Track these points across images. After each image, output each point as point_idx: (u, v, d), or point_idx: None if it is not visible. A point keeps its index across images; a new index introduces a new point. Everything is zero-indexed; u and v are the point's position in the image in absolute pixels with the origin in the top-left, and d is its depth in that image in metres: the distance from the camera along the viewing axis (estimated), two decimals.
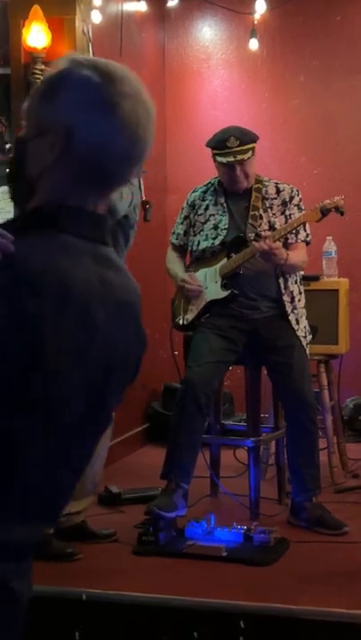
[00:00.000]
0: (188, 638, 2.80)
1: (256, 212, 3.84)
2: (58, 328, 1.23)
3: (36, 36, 4.21)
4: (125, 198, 3.43)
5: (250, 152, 3.77)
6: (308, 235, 3.88)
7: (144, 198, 3.69)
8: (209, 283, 3.87)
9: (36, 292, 1.22)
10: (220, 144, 3.78)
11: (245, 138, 3.78)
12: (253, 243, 3.71)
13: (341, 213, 3.74)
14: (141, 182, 3.64)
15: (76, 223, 1.33)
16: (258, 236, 3.80)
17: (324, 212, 3.70)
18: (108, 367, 1.34)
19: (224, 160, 3.78)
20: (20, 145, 1.39)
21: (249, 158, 3.78)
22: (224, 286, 3.83)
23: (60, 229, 1.32)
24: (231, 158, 3.76)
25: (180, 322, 3.95)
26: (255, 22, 5.55)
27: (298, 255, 3.79)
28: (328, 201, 3.72)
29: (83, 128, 1.32)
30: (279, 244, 3.68)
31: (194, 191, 4.02)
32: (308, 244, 3.91)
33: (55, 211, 1.33)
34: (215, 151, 3.81)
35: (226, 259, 3.82)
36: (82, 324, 1.27)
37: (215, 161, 3.84)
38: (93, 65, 1.37)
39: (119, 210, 3.43)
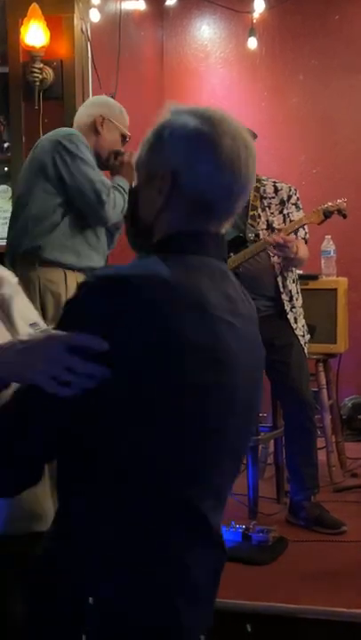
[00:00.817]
0: None
1: (255, 212, 3.84)
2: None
3: (35, 34, 4.21)
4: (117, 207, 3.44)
5: None
6: (306, 233, 3.88)
7: None
8: None
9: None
10: None
11: None
12: (266, 237, 3.71)
13: (344, 216, 3.75)
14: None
15: (201, 245, 1.43)
16: (257, 237, 3.80)
17: (327, 215, 3.70)
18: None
19: None
20: (133, 195, 1.51)
21: None
22: None
23: (185, 251, 1.41)
24: None
25: None
26: (254, 21, 5.55)
27: (304, 250, 3.79)
28: (331, 203, 3.71)
29: (187, 170, 1.42)
30: (293, 236, 3.68)
31: None
32: (306, 242, 3.91)
33: (176, 236, 1.42)
34: None
35: None
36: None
37: None
38: (192, 111, 1.49)
39: (110, 218, 3.43)
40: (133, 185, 1.52)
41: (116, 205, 3.43)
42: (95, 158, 3.53)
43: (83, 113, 3.63)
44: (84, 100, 4.41)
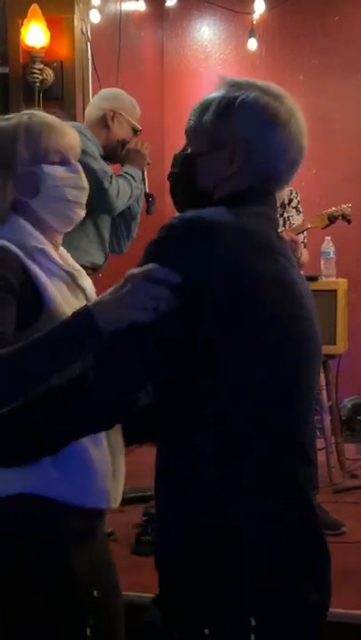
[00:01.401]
0: None
1: None
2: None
3: (35, 35, 4.22)
4: (121, 193, 3.44)
5: None
6: (305, 237, 3.89)
7: (148, 190, 3.68)
8: None
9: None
10: None
11: None
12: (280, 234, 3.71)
13: (349, 221, 3.75)
14: (145, 174, 3.64)
15: (265, 201, 1.56)
16: None
17: (331, 220, 3.71)
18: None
19: None
20: (190, 160, 1.62)
21: None
22: None
23: (252, 203, 1.52)
24: None
25: None
26: (254, 22, 5.56)
27: (305, 254, 3.79)
28: (335, 208, 3.72)
29: (260, 143, 1.53)
30: (301, 236, 3.69)
31: None
32: (305, 246, 3.92)
33: (244, 192, 1.53)
34: None
35: None
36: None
37: None
38: (261, 87, 1.63)
39: (117, 206, 3.44)
40: (189, 151, 1.64)
41: (120, 193, 3.43)
42: (106, 152, 3.54)
43: (94, 106, 3.63)
44: (84, 101, 4.42)
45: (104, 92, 3.76)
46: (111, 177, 3.42)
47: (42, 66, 4.27)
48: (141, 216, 3.73)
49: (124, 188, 3.48)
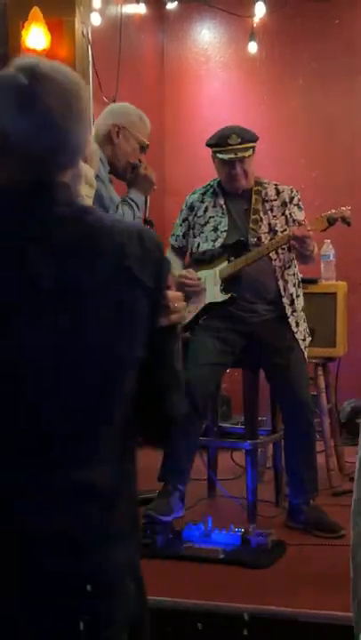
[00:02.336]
0: None
1: (257, 216, 3.84)
2: None
3: (36, 37, 4.22)
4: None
5: (251, 150, 3.78)
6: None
7: (147, 216, 3.68)
8: (208, 285, 3.87)
9: None
10: (221, 140, 3.80)
11: (247, 136, 3.80)
12: (292, 228, 3.70)
13: (348, 224, 3.75)
14: (148, 200, 3.63)
15: None
16: (259, 240, 3.81)
17: (331, 222, 3.71)
18: None
19: (225, 157, 3.79)
20: None
21: (250, 156, 3.79)
22: (224, 290, 3.83)
23: None
24: (232, 155, 3.77)
25: None
26: (254, 25, 5.57)
27: (315, 246, 3.78)
28: (334, 210, 3.71)
29: (12, 126, 1.41)
30: (312, 233, 3.69)
31: (193, 193, 4.03)
32: None
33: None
34: (216, 149, 3.82)
35: (226, 262, 3.82)
36: None
37: (215, 159, 3.84)
38: (19, 65, 1.44)
39: None
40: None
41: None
42: (111, 169, 3.52)
43: (99, 123, 3.63)
44: None
45: (111, 106, 3.76)
46: (118, 206, 3.41)
47: None
48: None
49: (128, 216, 3.48)
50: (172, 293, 1.54)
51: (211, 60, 5.85)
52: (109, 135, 3.52)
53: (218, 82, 5.85)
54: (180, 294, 1.58)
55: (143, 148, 3.61)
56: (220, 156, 3.82)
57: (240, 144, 3.77)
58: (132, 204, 3.51)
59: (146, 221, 3.70)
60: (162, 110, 5.79)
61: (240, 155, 3.77)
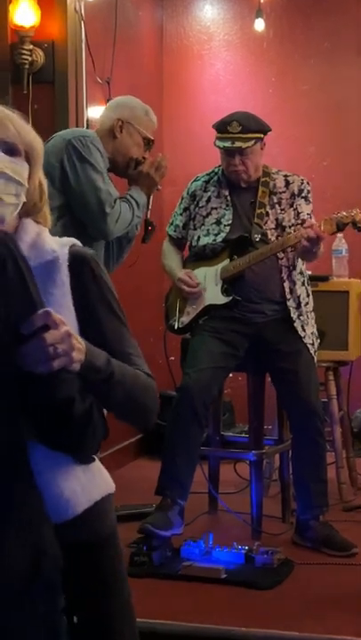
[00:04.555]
0: None
1: (263, 210, 3.84)
2: None
3: (24, 13, 4.21)
4: (120, 220, 3.43)
5: (252, 142, 3.77)
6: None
7: (149, 217, 3.68)
8: (208, 285, 3.87)
9: None
10: (221, 126, 3.80)
11: (250, 125, 3.79)
12: (300, 230, 3.69)
13: (359, 229, 3.74)
14: (150, 201, 3.63)
15: None
16: (264, 236, 3.80)
17: (340, 227, 3.69)
18: None
19: (220, 145, 3.80)
20: None
21: (249, 148, 3.77)
22: (225, 291, 3.82)
23: None
24: (228, 144, 3.77)
25: (175, 325, 3.95)
26: (261, 1, 5.56)
27: (321, 246, 3.77)
28: (345, 213, 3.69)
29: None
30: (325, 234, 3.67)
31: (195, 180, 4.02)
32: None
33: None
34: (217, 134, 3.82)
35: (228, 260, 3.82)
36: None
37: (215, 144, 3.85)
38: None
39: (112, 232, 3.43)
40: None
41: (120, 219, 3.42)
42: (112, 164, 3.52)
43: (103, 116, 3.64)
44: (77, 85, 4.42)
45: (115, 99, 3.76)
46: (115, 200, 3.41)
47: (31, 46, 4.27)
48: (136, 242, 3.72)
49: (125, 214, 3.47)
50: (54, 333, 1.52)
51: (214, 38, 5.85)
52: (112, 129, 3.53)
53: (221, 62, 5.85)
54: (62, 332, 1.54)
55: (149, 144, 3.61)
56: (217, 142, 3.82)
57: (240, 133, 3.76)
58: (132, 201, 3.51)
59: (147, 222, 3.70)
60: (160, 93, 5.79)
61: (237, 145, 3.76)
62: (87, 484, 1.72)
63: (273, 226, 3.83)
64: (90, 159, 3.38)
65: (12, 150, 1.72)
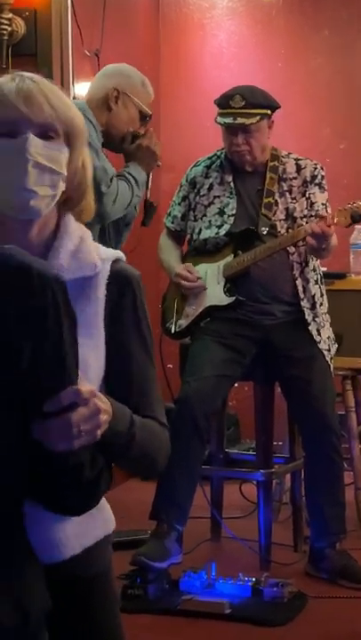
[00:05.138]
0: None
1: (271, 199, 3.84)
2: None
3: None
4: (117, 202, 3.43)
5: (257, 118, 3.77)
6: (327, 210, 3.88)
7: (149, 197, 3.69)
8: (210, 283, 3.86)
9: None
10: (223, 101, 3.81)
11: (256, 99, 3.79)
12: (307, 224, 3.69)
13: None
14: (150, 179, 3.65)
15: None
16: (273, 229, 3.80)
17: (355, 219, 3.70)
18: None
19: (222, 121, 3.80)
20: None
21: (254, 125, 3.76)
22: (228, 291, 3.82)
23: None
24: (230, 120, 3.77)
25: (172, 328, 3.94)
26: None
27: (334, 239, 3.76)
28: None
29: None
30: (333, 229, 3.66)
31: (195, 165, 4.02)
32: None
33: None
34: (218, 110, 3.82)
35: (232, 256, 3.82)
36: None
37: (215, 121, 3.85)
38: None
39: (111, 214, 3.43)
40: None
41: (118, 198, 3.42)
42: (105, 138, 3.53)
43: (95, 84, 3.64)
44: (62, 58, 4.41)
45: (109, 67, 3.76)
46: (112, 179, 3.41)
47: (10, 15, 4.27)
48: (135, 226, 3.73)
49: (124, 194, 3.47)
50: (82, 412, 1.51)
51: (216, 6, 5.86)
52: (107, 100, 3.54)
53: (225, 33, 5.85)
54: (91, 410, 1.52)
55: (145, 118, 3.61)
56: (218, 118, 3.82)
57: (243, 108, 3.76)
58: (130, 178, 3.52)
59: (147, 203, 3.70)
60: (156, 67, 5.79)
61: (240, 121, 3.76)
62: (82, 529, 1.71)
63: (283, 217, 3.83)
64: None
65: (46, 133, 1.68)
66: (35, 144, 1.66)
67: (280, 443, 4.38)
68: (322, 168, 3.91)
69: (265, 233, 3.80)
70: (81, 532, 1.71)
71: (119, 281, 1.75)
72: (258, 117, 3.78)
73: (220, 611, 3.29)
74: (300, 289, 3.82)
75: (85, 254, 1.75)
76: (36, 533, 1.63)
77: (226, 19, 5.85)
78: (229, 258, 3.83)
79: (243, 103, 3.77)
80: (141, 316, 1.78)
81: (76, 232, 1.76)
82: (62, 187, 1.72)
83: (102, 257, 1.77)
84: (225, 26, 5.85)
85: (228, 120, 3.78)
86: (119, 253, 1.80)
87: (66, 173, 1.72)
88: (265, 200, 3.84)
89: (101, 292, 1.73)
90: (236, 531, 4.04)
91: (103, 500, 1.76)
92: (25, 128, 1.66)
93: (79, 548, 1.71)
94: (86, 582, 1.76)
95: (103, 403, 1.55)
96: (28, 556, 1.62)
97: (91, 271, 1.73)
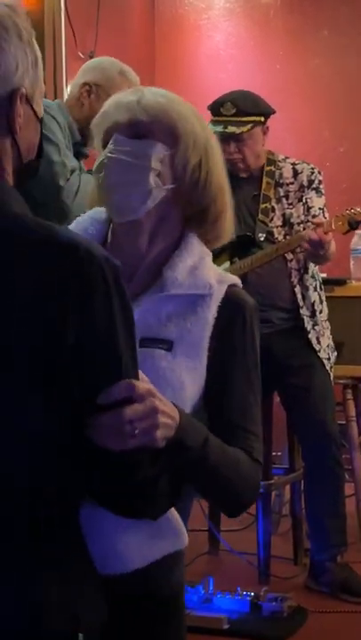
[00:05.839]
0: None
1: (267, 204, 3.84)
2: None
3: None
4: None
5: (249, 126, 3.76)
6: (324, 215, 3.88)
7: None
8: None
9: None
10: (214, 108, 3.81)
11: (247, 107, 3.78)
12: (304, 230, 3.69)
13: None
14: None
15: None
16: (271, 235, 3.80)
17: (353, 226, 3.70)
18: None
19: (212, 129, 3.80)
20: None
21: (245, 133, 3.76)
22: None
23: None
24: (220, 128, 3.77)
25: None
26: None
27: (333, 246, 3.76)
28: (359, 209, 3.70)
29: None
30: (331, 236, 3.67)
31: None
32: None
33: None
34: (211, 116, 3.83)
35: (228, 262, 3.82)
36: None
37: None
38: None
39: (70, 207, 3.42)
40: None
41: (79, 192, 3.42)
42: (82, 138, 3.54)
43: (73, 82, 3.66)
44: (55, 62, 4.42)
45: (86, 63, 3.77)
46: (71, 172, 3.42)
47: None
48: None
49: (87, 188, 3.48)
50: (136, 408, 1.41)
51: (213, 6, 5.86)
52: (79, 97, 3.55)
53: (221, 34, 5.85)
54: (148, 407, 1.43)
55: None
56: (210, 125, 3.82)
57: (234, 116, 3.76)
58: None
59: None
60: (151, 69, 5.80)
61: (231, 129, 3.76)
62: (146, 540, 1.68)
63: (280, 223, 3.83)
64: (44, 130, 3.38)
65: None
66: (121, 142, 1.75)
67: (279, 453, 4.37)
68: (319, 172, 3.91)
69: (262, 239, 3.80)
70: (145, 544, 1.67)
71: (231, 306, 1.75)
72: (249, 125, 3.77)
73: (219, 626, 3.28)
74: (299, 296, 3.82)
75: (202, 272, 1.75)
76: (95, 542, 1.55)
77: (223, 19, 5.85)
78: (226, 265, 3.83)
79: (234, 111, 3.76)
80: (250, 342, 1.77)
81: (197, 249, 1.76)
82: (153, 185, 1.72)
83: (220, 279, 1.76)
84: (222, 27, 5.85)
85: (219, 128, 3.78)
86: (236, 279, 1.79)
87: (158, 169, 1.73)
88: (262, 205, 3.84)
89: (212, 314, 1.73)
90: (234, 544, 4.04)
91: (174, 515, 1.71)
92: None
93: (141, 562, 1.67)
94: (150, 602, 1.72)
95: (165, 405, 1.47)
96: (87, 567, 1.54)
97: (204, 290, 1.73)
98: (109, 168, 1.72)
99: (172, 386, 1.63)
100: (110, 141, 1.74)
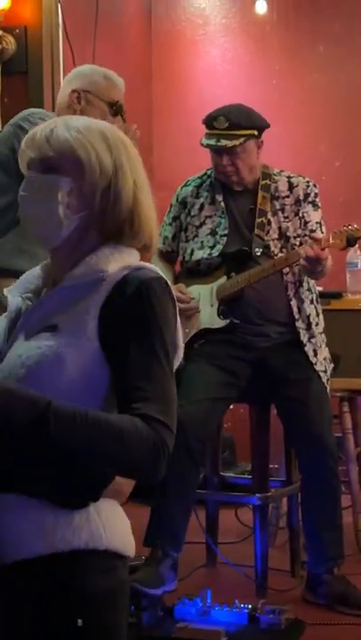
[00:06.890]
0: None
1: (263, 219, 3.84)
2: None
3: None
4: None
5: (241, 140, 3.77)
6: (321, 229, 3.88)
7: None
8: (203, 305, 3.87)
9: None
10: (208, 122, 3.82)
11: (241, 121, 3.78)
12: (301, 247, 3.69)
13: None
14: None
15: None
16: (267, 249, 3.81)
17: (351, 243, 3.70)
18: None
19: (205, 142, 3.82)
20: None
21: (236, 147, 3.76)
22: (221, 313, 3.83)
23: None
24: (213, 142, 3.78)
25: None
26: None
27: (329, 261, 3.77)
28: (356, 226, 3.70)
29: None
30: (327, 252, 3.67)
31: (185, 185, 4.03)
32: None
33: None
34: (205, 130, 3.84)
35: (225, 277, 3.83)
36: None
37: (200, 142, 3.86)
38: None
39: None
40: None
41: None
42: None
43: (61, 92, 3.67)
44: (53, 76, 4.43)
45: (68, 74, 3.79)
46: None
47: (1, 32, 4.29)
48: None
49: None
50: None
51: (209, 22, 5.88)
52: (70, 104, 3.55)
53: (218, 50, 5.87)
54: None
55: (114, 109, 3.61)
56: (202, 140, 3.84)
57: (227, 129, 3.77)
58: None
59: None
60: (148, 84, 5.81)
61: (222, 143, 3.77)
62: (55, 529, 1.75)
63: (276, 236, 3.84)
64: None
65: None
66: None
67: (276, 466, 4.37)
68: (315, 185, 3.91)
69: (259, 254, 3.80)
70: (51, 531, 1.75)
71: (126, 284, 1.79)
72: (242, 139, 3.78)
73: (216, 639, 3.28)
74: (295, 309, 3.82)
75: (98, 262, 1.83)
76: None
77: (219, 35, 5.87)
78: (223, 279, 3.84)
79: (226, 124, 3.77)
80: (147, 316, 1.78)
81: (107, 251, 1.84)
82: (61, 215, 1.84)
83: (125, 267, 1.82)
84: (218, 42, 5.87)
85: (212, 142, 3.79)
86: (148, 266, 1.85)
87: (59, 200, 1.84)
88: (258, 220, 3.84)
89: (102, 294, 1.79)
90: (231, 556, 4.03)
91: (92, 514, 1.79)
92: None
93: (45, 549, 1.74)
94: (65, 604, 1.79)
95: None
96: None
97: (94, 275, 1.81)
98: (22, 205, 1.86)
99: (49, 360, 1.75)
100: (25, 178, 1.87)
